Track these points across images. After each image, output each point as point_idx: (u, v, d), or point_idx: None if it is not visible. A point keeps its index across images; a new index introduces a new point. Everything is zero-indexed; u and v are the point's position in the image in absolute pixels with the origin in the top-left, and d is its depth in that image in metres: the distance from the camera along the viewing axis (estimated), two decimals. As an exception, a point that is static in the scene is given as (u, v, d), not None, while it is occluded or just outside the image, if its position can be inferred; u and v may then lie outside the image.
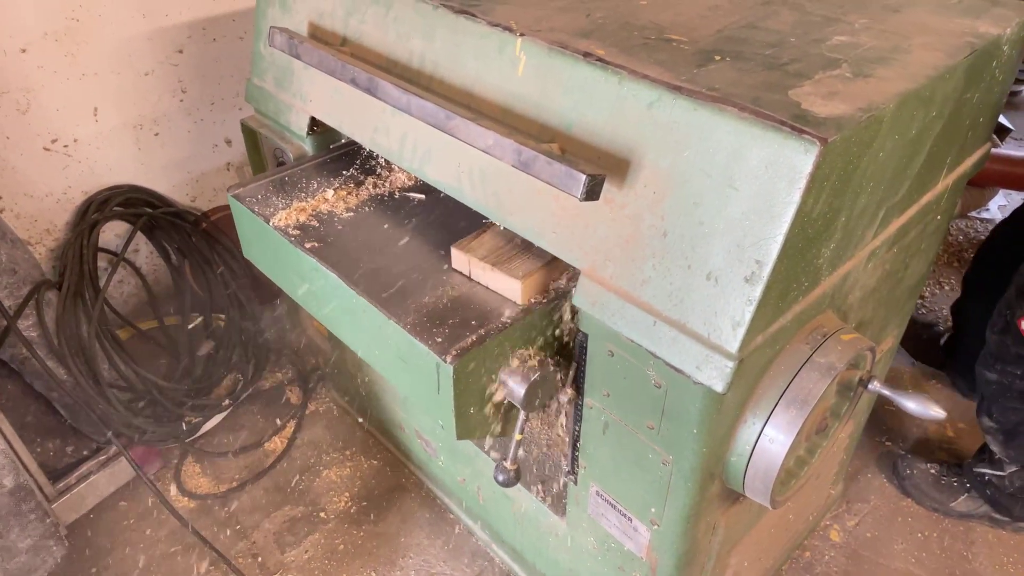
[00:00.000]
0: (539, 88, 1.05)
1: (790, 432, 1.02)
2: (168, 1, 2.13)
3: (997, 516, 1.93)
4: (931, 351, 2.38)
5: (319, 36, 1.38)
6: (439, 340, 1.02)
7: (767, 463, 1.03)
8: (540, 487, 1.43)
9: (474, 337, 1.03)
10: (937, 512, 1.97)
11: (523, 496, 1.49)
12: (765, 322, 0.91)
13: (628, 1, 1.18)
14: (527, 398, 1.06)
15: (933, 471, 1.98)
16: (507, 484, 1.15)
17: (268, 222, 1.27)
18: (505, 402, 1.11)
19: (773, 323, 0.93)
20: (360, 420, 2.19)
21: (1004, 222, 2.10)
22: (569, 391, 1.13)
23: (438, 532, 1.91)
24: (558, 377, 1.12)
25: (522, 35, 1.06)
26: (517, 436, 1.13)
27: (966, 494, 1.93)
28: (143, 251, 2.42)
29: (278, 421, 2.22)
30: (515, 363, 1.07)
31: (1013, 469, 1.81)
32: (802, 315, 1.00)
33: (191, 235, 2.29)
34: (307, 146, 1.49)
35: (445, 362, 0.99)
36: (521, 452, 1.39)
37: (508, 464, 1.14)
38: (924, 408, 1.09)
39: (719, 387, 0.91)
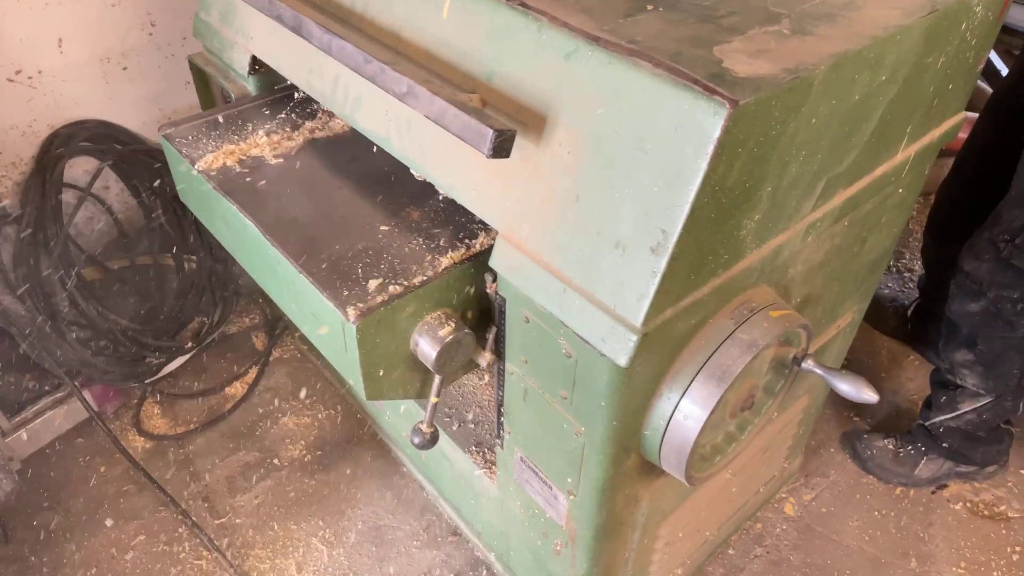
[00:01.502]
0: (463, 33, 0.98)
1: (706, 408, 0.97)
2: (135, -73, 2.04)
3: (962, 469, 1.90)
4: (898, 325, 2.33)
5: (259, -31, 1.30)
6: (347, 296, 0.98)
7: (681, 439, 1.00)
8: (474, 448, 1.40)
9: (384, 296, 0.98)
10: (906, 486, 1.94)
11: (459, 457, 1.47)
12: (674, 296, 0.86)
13: (574, -58, 1.10)
14: (439, 361, 1.02)
15: (891, 446, 1.95)
16: (422, 447, 1.12)
17: (194, 165, 1.22)
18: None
19: (685, 296, 0.88)
20: (322, 367, 2.18)
21: (952, 173, 2.01)
22: (488, 355, 1.09)
23: (389, 484, 1.91)
24: (479, 340, 1.08)
25: (448, -25, 0.99)
26: (433, 399, 1.09)
27: (925, 458, 1.90)
28: (113, 188, 2.38)
29: (241, 366, 2.21)
30: (430, 323, 1.03)
31: (986, 401, 1.77)
32: (724, 288, 0.95)
33: (162, 174, 2.25)
34: (250, 86, 1.43)
35: (349, 321, 0.95)
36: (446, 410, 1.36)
37: (424, 427, 1.11)
38: (857, 391, 1.04)
39: (622, 361, 0.86)
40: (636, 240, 0.82)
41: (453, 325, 1.03)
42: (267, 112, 1.35)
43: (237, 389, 2.15)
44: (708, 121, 0.74)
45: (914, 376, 2.26)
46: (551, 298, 0.93)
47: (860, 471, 1.99)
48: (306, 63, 1.24)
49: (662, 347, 0.93)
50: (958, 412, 1.81)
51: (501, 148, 0.85)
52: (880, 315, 2.37)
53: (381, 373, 1.03)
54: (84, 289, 1.97)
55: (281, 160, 1.23)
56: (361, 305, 0.97)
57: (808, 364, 1.09)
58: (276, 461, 1.96)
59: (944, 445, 1.87)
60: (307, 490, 1.90)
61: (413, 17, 1.04)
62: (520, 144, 0.93)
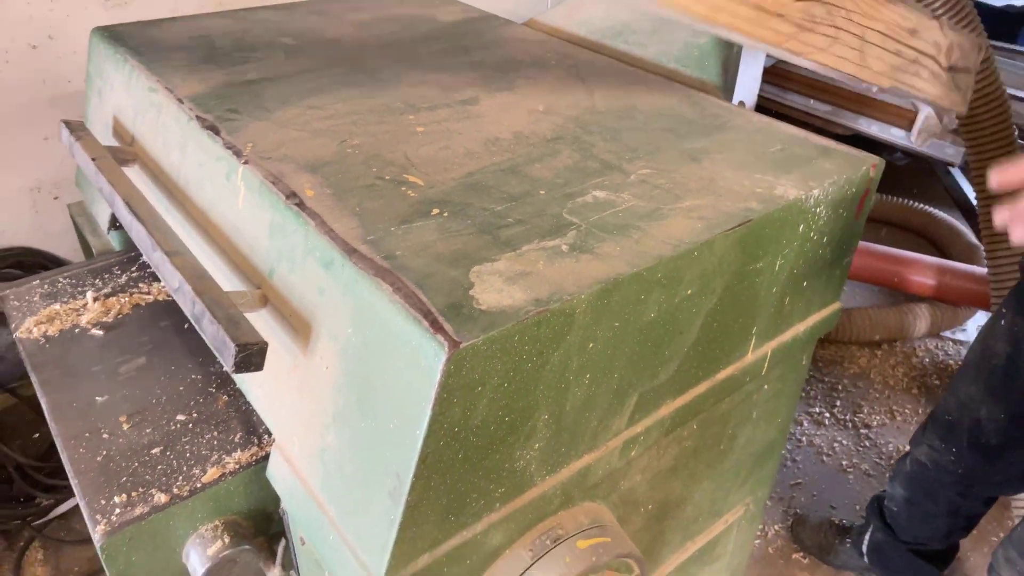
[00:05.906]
0: (253, 225, 0.93)
1: (498, 657, 0.84)
2: (71, 68, 2.09)
3: None
4: (842, 551, 1.95)
5: (119, 131, 1.29)
6: (103, 506, 0.89)
7: None
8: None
9: (144, 507, 0.89)
10: None
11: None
12: (429, 541, 0.75)
13: (404, 127, 1.06)
14: (208, 580, 0.91)
15: None
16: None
17: (15, 330, 1.16)
18: None
19: (447, 539, 0.77)
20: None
21: None
22: (277, 570, 0.97)
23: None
24: (271, 552, 0.97)
25: (246, 163, 0.94)
26: (213, 620, 0.97)
27: None
28: (39, 313, 2.34)
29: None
30: (204, 536, 0.92)
31: None
32: (516, 519, 0.84)
33: (82, 302, 2.21)
34: (113, 242, 1.40)
35: (95, 537, 0.85)
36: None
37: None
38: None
39: (366, 616, 0.75)
40: (376, 482, 0.73)
41: (227, 540, 0.92)
42: (117, 271, 1.30)
43: (127, 536, 2.02)
44: (430, 362, 0.66)
45: None
46: (313, 528, 0.82)
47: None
48: (146, 230, 1.20)
49: (435, 589, 0.81)
50: None
51: (246, 363, 0.78)
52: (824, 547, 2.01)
53: (146, 593, 0.92)
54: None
55: (101, 332, 1.16)
56: (114, 519, 0.87)
57: (632, 596, 0.96)
58: (149, 624, 1.81)
59: None
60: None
61: (218, 201, 1.00)
62: (292, 351, 0.85)
